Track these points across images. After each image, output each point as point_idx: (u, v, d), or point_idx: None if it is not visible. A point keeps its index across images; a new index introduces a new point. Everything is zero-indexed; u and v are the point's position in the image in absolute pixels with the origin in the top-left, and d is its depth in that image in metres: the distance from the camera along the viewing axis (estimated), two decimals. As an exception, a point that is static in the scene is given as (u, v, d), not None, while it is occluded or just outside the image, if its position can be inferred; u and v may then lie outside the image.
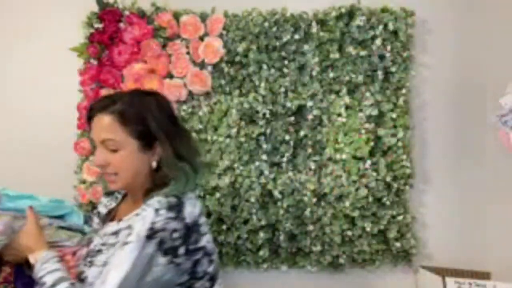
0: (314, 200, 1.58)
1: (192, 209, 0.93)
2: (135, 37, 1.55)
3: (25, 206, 1.03)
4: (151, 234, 0.86)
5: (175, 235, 0.88)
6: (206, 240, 0.95)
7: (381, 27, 1.56)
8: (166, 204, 0.90)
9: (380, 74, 1.58)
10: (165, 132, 0.96)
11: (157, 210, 0.89)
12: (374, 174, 1.57)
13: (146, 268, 0.84)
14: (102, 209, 1.13)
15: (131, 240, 0.86)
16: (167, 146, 0.96)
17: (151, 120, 0.95)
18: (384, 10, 1.59)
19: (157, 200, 0.91)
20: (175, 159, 0.96)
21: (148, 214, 0.89)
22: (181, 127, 1.03)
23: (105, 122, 0.94)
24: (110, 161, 0.95)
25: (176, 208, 0.91)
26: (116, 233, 0.95)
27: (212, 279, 0.96)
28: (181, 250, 0.89)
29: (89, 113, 0.97)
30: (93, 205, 1.55)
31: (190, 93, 1.58)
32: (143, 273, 0.84)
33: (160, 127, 0.96)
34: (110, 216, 1.07)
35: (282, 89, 1.57)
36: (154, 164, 0.98)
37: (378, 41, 1.57)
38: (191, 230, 0.91)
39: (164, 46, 1.57)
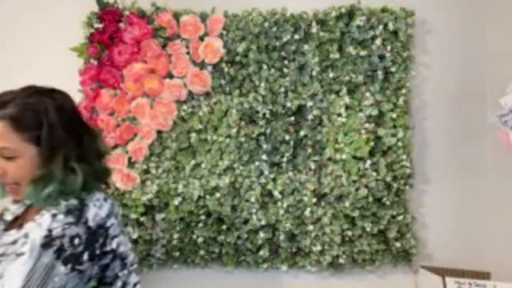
0: (314, 200, 1.58)
1: (97, 211, 0.88)
2: (135, 37, 1.55)
3: None
4: (48, 242, 0.81)
5: (76, 241, 0.83)
6: (117, 243, 0.90)
7: (381, 27, 1.56)
8: (64, 208, 0.85)
9: (380, 74, 1.58)
10: (60, 137, 0.88)
11: (54, 216, 0.85)
12: (374, 174, 1.57)
13: (44, 279, 0.79)
14: (8, 216, 0.97)
15: (24, 251, 0.81)
16: (66, 150, 0.89)
17: (46, 125, 0.87)
18: (384, 10, 1.59)
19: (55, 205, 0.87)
20: (71, 162, 0.88)
21: (45, 221, 0.84)
22: (84, 128, 0.95)
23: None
24: (7, 170, 0.86)
25: (76, 211, 0.86)
26: (14, 242, 0.86)
27: (125, 283, 0.92)
28: (85, 256, 0.85)
29: None
30: None
31: (190, 93, 1.58)
32: (41, 285, 0.79)
33: (55, 132, 0.88)
34: (16, 223, 0.94)
35: (282, 89, 1.57)
36: None
37: (378, 41, 1.57)
38: (96, 234, 0.86)
39: (164, 46, 1.57)
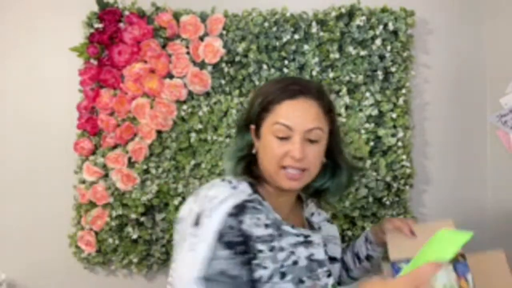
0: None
1: None
2: (135, 37, 1.55)
3: None
4: None
5: None
6: None
7: (381, 27, 1.56)
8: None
9: (380, 74, 1.58)
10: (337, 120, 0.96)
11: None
12: (374, 174, 1.57)
13: None
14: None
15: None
16: (338, 135, 0.96)
17: (334, 109, 0.93)
18: (384, 10, 1.59)
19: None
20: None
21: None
22: None
23: (314, 109, 0.85)
24: (307, 155, 0.84)
25: None
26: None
27: None
28: None
29: (281, 96, 0.85)
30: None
31: (190, 93, 1.58)
32: None
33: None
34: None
35: (282, 89, 1.57)
36: (323, 158, 0.93)
37: (378, 41, 1.57)
38: None
39: (164, 46, 1.57)
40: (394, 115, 1.58)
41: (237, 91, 1.58)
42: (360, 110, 1.59)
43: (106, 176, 1.57)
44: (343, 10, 1.56)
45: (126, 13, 1.56)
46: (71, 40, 1.58)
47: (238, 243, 0.76)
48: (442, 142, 1.67)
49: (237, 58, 1.57)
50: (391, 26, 1.56)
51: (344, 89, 1.58)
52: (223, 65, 1.57)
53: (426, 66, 1.67)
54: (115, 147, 1.58)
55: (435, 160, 1.67)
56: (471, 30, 1.67)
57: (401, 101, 1.58)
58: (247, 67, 1.57)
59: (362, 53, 1.57)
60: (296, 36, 1.57)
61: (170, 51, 1.56)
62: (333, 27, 1.56)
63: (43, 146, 1.63)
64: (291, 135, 0.82)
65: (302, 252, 0.83)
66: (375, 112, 1.57)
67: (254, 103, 0.88)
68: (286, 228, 0.84)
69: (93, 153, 1.58)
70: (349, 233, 1.59)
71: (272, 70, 1.57)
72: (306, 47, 1.57)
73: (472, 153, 1.68)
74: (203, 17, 1.57)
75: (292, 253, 0.81)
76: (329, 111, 0.88)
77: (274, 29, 1.56)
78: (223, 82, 1.58)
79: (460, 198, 1.68)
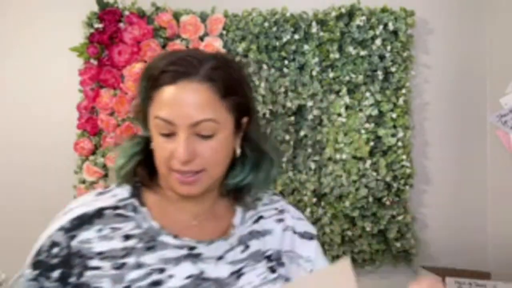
0: (314, 200, 1.58)
1: None
2: (135, 37, 1.55)
3: None
4: None
5: None
6: None
7: (381, 27, 1.56)
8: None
9: (380, 74, 1.58)
10: (254, 103, 0.75)
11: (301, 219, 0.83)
12: (374, 174, 1.57)
13: None
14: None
15: None
16: (257, 120, 0.76)
17: (247, 88, 0.72)
18: (384, 10, 1.59)
19: (289, 206, 0.83)
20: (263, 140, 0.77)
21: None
22: None
23: (202, 95, 0.64)
24: (200, 153, 0.66)
25: None
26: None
27: None
28: None
29: (160, 80, 0.65)
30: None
31: (190, 93, 1.58)
32: None
33: (252, 95, 0.74)
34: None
35: (282, 89, 1.57)
36: (238, 150, 0.73)
37: (378, 41, 1.57)
38: None
39: (164, 46, 1.57)
40: (394, 115, 1.58)
41: (237, 91, 1.57)
42: (360, 110, 1.59)
43: (106, 176, 1.57)
44: (343, 10, 1.56)
45: (126, 13, 1.56)
46: (71, 40, 1.58)
47: (51, 266, 0.64)
48: (442, 142, 1.67)
49: (237, 58, 1.57)
50: (391, 26, 1.56)
51: (344, 89, 1.58)
52: (223, 65, 1.57)
53: (426, 66, 1.67)
54: (115, 147, 1.58)
55: (435, 160, 1.67)
56: (471, 30, 1.67)
57: (401, 101, 1.58)
58: (247, 67, 1.57)
59: (362, 53, 1.57)
60: (296, 36, 1.57)
61: (170, 51, 1.56)
62: (333, 27, 1.56)
63: (43, 146, 1.63)
64: (175, 131, 0.64)
65: (183, 269, 0.66)
66: (375, 112, 1.57)
67: (140, 80, 0.69)
68: (165, 239, 0.68)
69: (93, 153, 1.58)
70: (349, 233, 1.59)
71: (272, 70, 1.57)
72: (306, 47, 1.57)
73: (472, 153, 1.68)
74: (203, 17, 1.57)
75: (161, 270, 0.65)
76: (229, 93, 0.67)
77: (274, 29, 1.56)
78: (223, 82, 1.58)
79: (460, 198, 1.68)
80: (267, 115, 1.57)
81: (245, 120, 0.72)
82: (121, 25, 1.56)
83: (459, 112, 1.68)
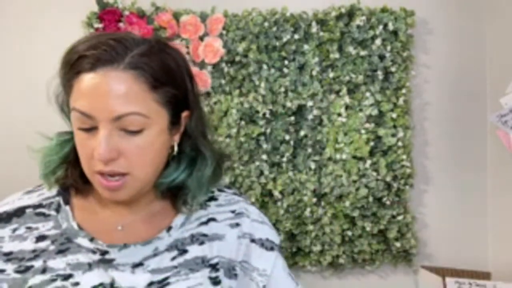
0: (314, 200, 1.58)
1: None
2: (135, 37, 1.55)
3: None
4: None
5: None
6: None
7: (381, 27, 1.56)
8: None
9: (380, 74, 1.58)
10: (196, 96, 0.67)
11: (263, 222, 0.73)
12: (374, 174, 1.57)
13: None
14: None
15: None
16: (200, 115, 0.68)
17: (185, 79, 0.64)
18: (384, 10, 1.59)
19: (245, 202, 0.74)
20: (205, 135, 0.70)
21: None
22: None
23: (125, 85, 0.56)
24: (124, 151, 0.58)
25: None
26: None
27: None
28: None
29: (77, 66, 0.57)
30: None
31: (190, 93, 1.58)
32: None
33: (194, 88, 0.66)
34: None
35: (282, 89, 1.57)
36: (176, 148, 0.66)
37: (378, 41, 1.57)
38: None
39: (164, 46, 1.57)
40: (394, 115, 1.58)
41: (237, 91, 1.58)
42: (360, 110, 1.59)
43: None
44: (343, 10, 1.56)
45: (126, 13, 1.56)
46: (71, 40, 1.57)
47: None
48: (442, 142, 1.68)
49: (237, 58, 1.57)
50: (391, 26, 1.56)
51: (344, 89, 1.58)
52: (223, 65, 1.57)
53: (426, 66, 1.67)
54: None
55: (435, 160, 1.67)
56: (471, 30, 1.67)
57: (401, 101, 1.58)
58: (247, 67, 1.57)
59: (362, 53, 1.57)
60: (296, 36, 1.57)
61: (170, 51, 1.56)
62: (333, 27, 1.56)
63: (42, 145, 1.63)
64: (96, 126, 0.57)
65: (92, 277, 0.59)
66: (375, 112, 1.57)
67: (59, 71, 0.61)
68: (81, 241, 0.62)
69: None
70: (349, 233, 1.59)
71: (272, 70, 1.57)
72: (306, 47, 1.57)
73: (472, 153, 1.68)
74: (203, 17, 1.57)
75: (67, 277, 0.59)
76: (162, 83, 0.59)
77: (274, 29, 1.56)
78: (223, 82, 1.58)
79: (460, 198, 1.68)
80: (267, 115, 1.57)
81: (185, 114, 0.65)
82: (121, 25, 1.56)
83: (459, 112, 1.68)
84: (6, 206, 0.65)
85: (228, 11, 1.58)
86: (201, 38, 1.57)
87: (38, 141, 1.69)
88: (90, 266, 0.60)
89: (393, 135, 1.58)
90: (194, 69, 1.56)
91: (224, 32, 1.57)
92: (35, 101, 1.65)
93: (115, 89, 0.55)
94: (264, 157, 1.57)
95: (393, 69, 1.58)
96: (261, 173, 1.57)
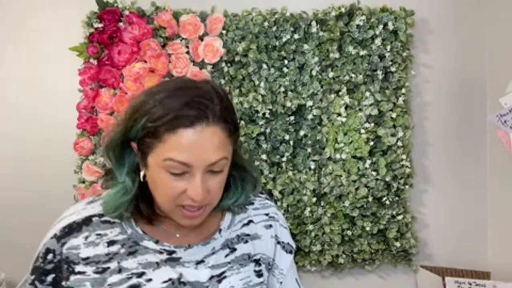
0: (314, 199, 1.58)
1: None
2: (134, 36, 1.55)
3: None
4: None
5: None
6: None
7: (381, 26, 1.56)
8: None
9: (380, 74, 1.58)
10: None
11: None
12: (374, 173, 1.57)
13: None
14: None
15: None
16: (240, 143, 0.81)
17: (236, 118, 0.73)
18: (384, 9, 1.58)
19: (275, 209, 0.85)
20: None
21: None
22: None
23: (218, 137, 0.65)
24: (211, 188, 0.68)
25: None
26: None
27: None
28: None
29: (174, 124, 0.63)
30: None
31: (190, 93, 1.58)
32: None
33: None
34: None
35: (282, 89, 1.57)
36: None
37: (378, 41, 1.57)
38: None
39: (163, 46, 1.57)
40: (394, 115, 1.58)
41: (237, 91, 1.58)
42: (360, 109, 1.59)
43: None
44: (343, 10, 1.56)
45: (126, 12, 1.56)
46: (71, 39, 1.58)
47: (46, 271, 0.69)
48: (442, 142, 1.67)
49: (237, 58, 1.57)
50: (391, 26, 1.56)
51: (344, 89, 1.58)
52: (223, 64, 1.57)
53: (426, 66, 1.67)
54: (114, 146, 1.58)
55: (435, 160, 1.67)
56: (471, 29, 1.67)
57: (401, 101, 1.58)
58: (247, 67, 1.57)
59: (362, 52, 1.57)
60: (296, 36, 1.57)
61: (170, 50, 1.56)
62: (333, 27, 1.56)
63: (42, 145, 1.63)
64: (189, 171, 0.64)
65: (162, 273, 0.69)
66: (375, 111, 1.57)
67: (135, 119, 0.65)
68: (147, 244, 0.71)
69: (93, 152, 1.58)
70: (349, 232, 1.59)
71: (272, 70, 1.57)
72: (306, 46, 1.57)
73: (472, 153, 1.68)
74: (203, 17, 1.57)
75: (140, 275, 0.68)
76: (235, 129, 0.69)
77: (274, 28, 1.56)
78: (223, 81, 1.58)
79: (460, 197, 1.68)
80: (267, 115, 1.57)
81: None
82: (121, 24, 1.56)
83: (459, 112, 1.67)
84: (73, 216, 0.72)
85: (228, 10, 1.58)
86: (201, 38, 1.57)
87: (38, 141, 1.69)
88: (158, 264, 0.70)
89: (393, 135, 1.58)
90: (194, 69, 1.56)
91: (224, 31, 1.57)
92: (36, 100, 1.65)
93: (211, 142, 0.64)
94: (264, 157, 1.57)
95: (393, 69, 1.58)
96: (261, 173, 1.57)
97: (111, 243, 0.70)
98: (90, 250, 0.69)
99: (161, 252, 0.71)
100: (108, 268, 0.69)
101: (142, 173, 0.69)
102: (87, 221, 0.71)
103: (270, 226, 0.82)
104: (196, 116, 0.62)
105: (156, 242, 0.72)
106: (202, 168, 0.64)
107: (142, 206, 0.72)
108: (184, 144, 0.62)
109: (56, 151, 1.62)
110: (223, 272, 0.73)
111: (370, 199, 1.57)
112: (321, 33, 1.57)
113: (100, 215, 0.72)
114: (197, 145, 0.63)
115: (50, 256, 0.69)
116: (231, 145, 0.69)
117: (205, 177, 0.65)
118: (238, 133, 0.71)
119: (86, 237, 0.70)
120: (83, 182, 1.58)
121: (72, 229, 0.70)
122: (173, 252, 0.72)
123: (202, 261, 0.73)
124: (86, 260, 0.69)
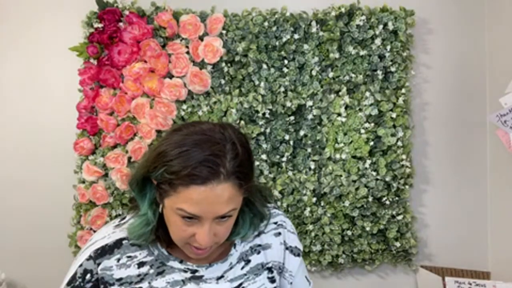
0: (314, 199, 1.58)
1: None
2: (134, 36, 1.55)
3: None
4: None
5: None
6: None
7: (380, 26, 1.56)
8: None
9: (379, 73, 1.58)
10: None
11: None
12: (374, 173, 1.57)
13: None
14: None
15: None
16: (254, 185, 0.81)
17: (253, 161, 0.76)
18: (383, 9, 1.58)
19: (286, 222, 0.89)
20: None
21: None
22: None
23: (228, 192, 0.68)
24: (218, 233, 0.73)
25: None
26: None
27: None
28: None
29: (187, 180, 0.67)
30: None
31: (190, 93, 1.58)
32: None
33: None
34: None
35: (282, 89, 1.57)
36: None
37: (377, 41, 1.57)
38: None
39: (163, 46, 1.57)
40: (393, 115, 1.58)
41: (237, 91, 1.58)
42: (360, 109, 1.59)
43: (105, 175, 1.57)
44: (342, 10, 1.56)
45: (126, 12, 1.56)
46: (71, 39, 1.58)
47: None
48: (442, 142, 1.67)
49: (237, 58, 1.57)
50: (390, 26, 1.56)
51: (344, 89, 1.58)
52: (223, 64, 1.57)
53: (426, 66, 1.67)
54: (114, 146, 1.58)
55: (435, 160, 1.67)
56: (471, 29, 1.67)
57: (400, 101, 1.58)
58: (247, 67, 1.57)
59: (362, 52, 1.57)
60: (296, 36, 1.57)
61: (170, 50, 1.56)
62: (333, 27, 1.56)
63: (43, 145, 1.63)
64: (199, 219, 0.70)
65: None
66: (374, 111, 1.57)
67: (155, 166, 0.70)
68: (173, 264, 0.77)
69: (93, 152, 1.58)
70: (349, 232, 1.59)
71: (272, 70, 1.57)
72: (306, 46, 1.57)
73: (472, 153, 1.67)
74: (203, 17, 1.57)
75: None
76: (248, 181, 0.72)
77: (274, 28, 1.56)
78: (223, 81, 1.58)
79: (460, 198, 1.68)
80: (267, 115, 1.57)
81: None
82: (121, 24, 1.56)
83: (459, 112, 1.67)
84: (105, 239, 0.77)
85: (228, 11, 1.58)
86: (201, 38, 1.57)
87: (38, 141, 1.69)
88: (183, 282, 0.76)
89: (393, 135, 1.58)
90: (194, 69, 1.56)
91: (224, 31, 1.57)
92: (36, 100, 1.65)
93: (220, 197, 0.68)
94: (264, 157, 1.57)
95: (392, 68, 1.58)
96: (261, 172, 1.58)
97: (141, 264, 0.76)
98: (123, 272, 0.75)
99: (185, 271, 0.77)
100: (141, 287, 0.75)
101: (160, 207, 0.74)
102: (118, 244, 0.77)
103: (279, 233, 0.87)
104: (208, 176, 0.66)
105: (181, 261, 0.78)
106: (210, 219, 0.70)
107: (161, 233, 0.77)
108: (195, 199, 0.67)
109: (56, 151, 1.63)
110: (241, 284, 0.80)
111: (370, 199, 1.57)
112: (321, 33, 1.57)
113: (129, 238, 0.77)
114: (207, 200, 0.67)
115: (88, 276, 0.74)
116: (242, 195, 0.73)
117: (213, 225, 0.71)
118: (252, 182, 0.74)
119: (118, 259, 0.75)
120: (83, 182, 1.58)
121: (105, 251, 0.76)
122: (196, 270, 0.78)
123: (222, 276, 0.79)
124: (120, 281, 0.74)
